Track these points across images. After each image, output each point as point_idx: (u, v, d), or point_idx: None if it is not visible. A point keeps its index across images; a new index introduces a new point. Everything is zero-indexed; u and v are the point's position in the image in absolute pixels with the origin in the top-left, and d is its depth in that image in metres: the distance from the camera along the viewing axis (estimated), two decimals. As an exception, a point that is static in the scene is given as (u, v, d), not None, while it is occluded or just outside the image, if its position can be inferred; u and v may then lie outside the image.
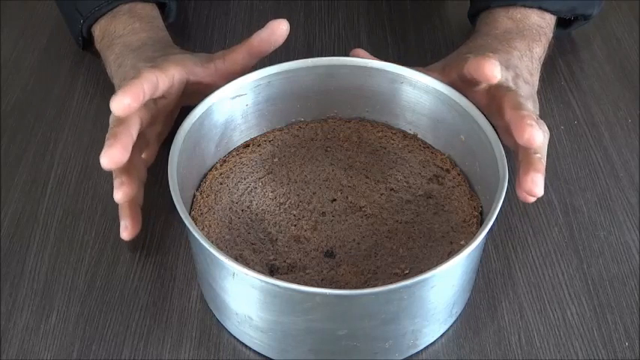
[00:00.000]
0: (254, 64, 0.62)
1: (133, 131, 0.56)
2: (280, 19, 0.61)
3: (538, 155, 0.55)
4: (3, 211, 0.63)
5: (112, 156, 0.53)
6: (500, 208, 0.51)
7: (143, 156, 0.61)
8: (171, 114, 0.63)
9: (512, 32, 0.67)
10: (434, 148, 0.63)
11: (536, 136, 0.53)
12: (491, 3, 0.70)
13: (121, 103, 0.53)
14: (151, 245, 0.60)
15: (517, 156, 0.57)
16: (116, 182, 0.56)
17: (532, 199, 0.55)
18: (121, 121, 0.55)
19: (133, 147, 0.55)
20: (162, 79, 0.57)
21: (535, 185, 0.53)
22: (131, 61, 0.63)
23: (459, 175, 0.61)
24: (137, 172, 0.58)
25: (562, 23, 0.73)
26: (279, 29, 0.61)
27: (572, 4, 0.71)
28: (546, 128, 0.59)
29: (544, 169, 0.55)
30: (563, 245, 0.61)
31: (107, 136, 0.55)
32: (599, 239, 0.61)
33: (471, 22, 0.74)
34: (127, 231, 0.58)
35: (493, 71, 0.55)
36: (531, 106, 0.60)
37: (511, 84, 0.60)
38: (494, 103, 0.58)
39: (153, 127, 0.61)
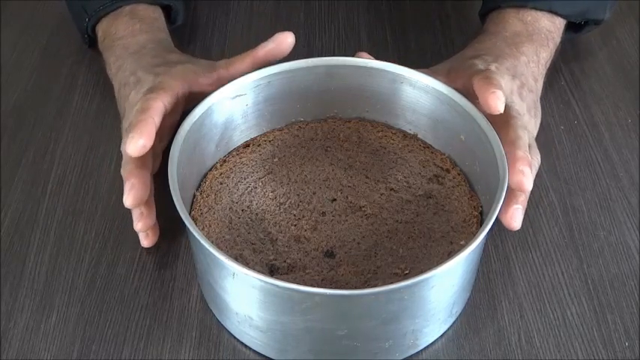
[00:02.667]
0: None
1: (148, 164, 0.57)
2: (287, 32, 0.62)
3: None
4: (3, 211, 0.63)
5: (136, 197, 0.55)
6: (500, 208, 0.51)
7: None
8: (174, 126, 0.63)
9: (521, 35, 0.67)
10: (434, 148, 0.63)
11: (527, 184, 0.54)
12: (502, 3, 0.70)
13: (137, 146, 0.54)
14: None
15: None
16: (135, 213, 0.57)
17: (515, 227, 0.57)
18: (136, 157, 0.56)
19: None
20: (168, 101, 0.58)
21: (513, 219, 0.56)
22: (130, 66, 0.63)
23: (459, 175, 0.61)
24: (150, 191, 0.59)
25: (573, 27, 0.73)
26: (285, 42, 0.62)
27: (582, 9, 0.71)
28: (539, 158, 0.60)
29: (526, 202, 0.57)
30: (563, 245, 0.61)
31: (125, 174, 0.56)
32: (599, 239, 0.61)
33: (482, 22, 0.74)
34: (148, 239, 0.59)
35: (497, 105, 0.55)
36: (532, 122, 0.61)
37: (515, 96, 0.60)
38: (494, 124, 0.58)
39: (160, 143, 0.61)
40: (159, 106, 0.56)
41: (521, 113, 0.59)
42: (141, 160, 0.56)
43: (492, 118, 0.58)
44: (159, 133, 0.57)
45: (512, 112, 0.58)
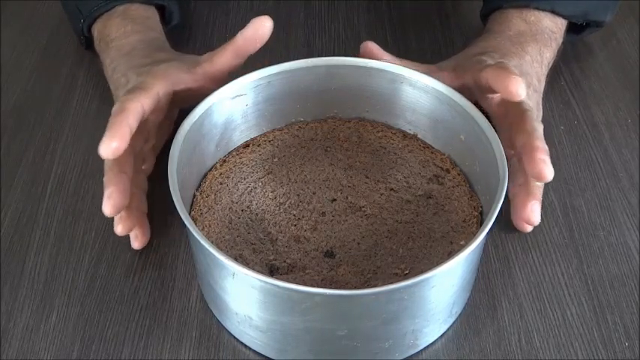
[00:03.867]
0: (241, 64, 0.62)
1: (128, 169, 0.56)
2: (263, 16, 0.61)
3: (538, 183, 0.55)
4: (3, 211, 0.63)
5: (114, 205, 0.54)
6: (500, 208, 0.51)
7: (143, 167, 0.61)
8: (163, 125, 0.63)
9: (525, 35, 0.67)
10: (434, 148, 0.63)
11: (548, 173, 0.54)
12: (504, 3, 0.70)
13: (110, 148, 0.53)
14: (150, 245, 0.60)
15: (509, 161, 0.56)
16: (115, 217, 0.57)
17: (529, 228, 0.57)
18: (116, 161, 0.55)
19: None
20: (147, 102, 0.57)
21: (533, 213, 0.57)
22: (122, 68, 0.64)
23: (459, 175, 0.61)
24: (137, 191, 0.59)
25: (574, 29, 0.73)
26: (262, 26, 0.61)
27: (584, 10, 0.71)
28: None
29: (541, 196, 0.57)
30: (563, 245, 0.61)
31: (105, 181, 0.55)
32: (599, 239, 0.61)
33: (483, 22, 0.74)
34: (137, 240, 0.59)
35: (518, 90, 0.55)
36: (539, 121, 0.61)
37: None
38: (507, 118, 0.57)
39: (147, 143, 0.61)
40: (135, 107, 0.56)
41: (532, 108, 0.59)
42: (118, 166, 0.55)
43: (504, 118, 0.57)
44: (142, 134, 0.57)
45: (525, 106, 0.58)
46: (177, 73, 0.61)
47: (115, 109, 0.56)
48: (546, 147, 0.55)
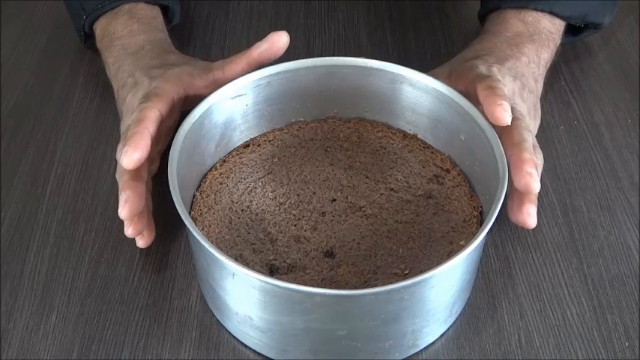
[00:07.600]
0: None
1: (143, 174, 0.57)
2: (280, 32, 0.61)
3: None
4: (3, 211, 0.63)
5: (131, 209, 0.54)
6: (500, 208, 0.51)
7: (151, 168, 0.61)
8: (171, 129, 0.63)
9: (522, 36, 0.67)
10: (434, 148, 0.63)
11: (534, 186, 0.53)
12: (502, 4, 0.70)
13: (132, 159, 0.53)
14: (151, 245, 0.60)
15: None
16: (127, 220, 0.57)
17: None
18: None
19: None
20: (164, 108, 0.58)
21: (529, 217, 0.55)
22: (129, 67, 0.64)
23: (458, 175, 0.61)
24: (146, 197, 0.59)
25: (571, 30, 0.73)
26: (279, 42, 0.61)
27: (583, 11, 0.71)
28: (542, 157, 0.59)
29: (536, 199, 0.56)
30: (563, 245, 0.61)
31: (120, 184, 0.55)
32: (599, 239, 0.61)
33: (481, 23, 0.74)
34: (143, 239, 0.58)
35: (504, 117, 0.55)
36: (532, 124, 0.61)
37: (517, 97, 0.60)
38: (497, 126, 0.57)
39: (156, 146, 0.61)
40: (154, 115, 0.56)
41: (523, 115, 0.59)
42: (136, 171, 0.56)
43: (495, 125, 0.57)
44: (154, 139, 0.57)
45: (515, 114, 0.57)
46: (190, 78, 0.61)
47: (134, 117, 0.56)
48: (534, 158, 0.55)
